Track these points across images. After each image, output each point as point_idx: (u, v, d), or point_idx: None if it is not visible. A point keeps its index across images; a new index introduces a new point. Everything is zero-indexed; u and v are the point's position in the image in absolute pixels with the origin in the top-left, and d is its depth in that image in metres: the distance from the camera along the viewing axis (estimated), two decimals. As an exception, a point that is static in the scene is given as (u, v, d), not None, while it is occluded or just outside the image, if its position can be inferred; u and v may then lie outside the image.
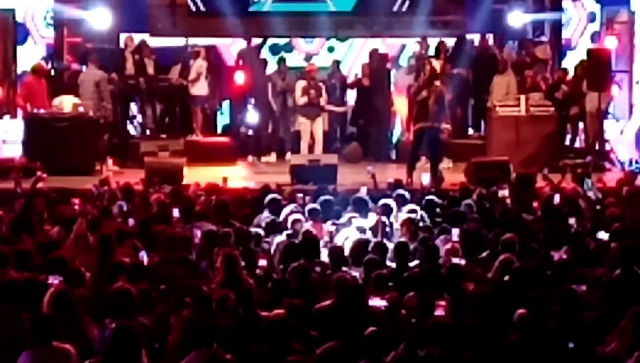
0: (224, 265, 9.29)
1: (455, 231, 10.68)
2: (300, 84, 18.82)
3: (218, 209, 12.30)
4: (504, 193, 13.61)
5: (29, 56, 19.27)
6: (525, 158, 17.66)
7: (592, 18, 20.59)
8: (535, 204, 13.29)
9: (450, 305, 8.25)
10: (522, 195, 13.65)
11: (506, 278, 9.20)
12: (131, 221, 11.91)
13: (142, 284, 8.76)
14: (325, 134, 19.56)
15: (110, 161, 18.09)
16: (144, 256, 9.92)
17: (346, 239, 11.12)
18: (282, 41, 21.77)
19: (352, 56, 22.02)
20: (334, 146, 19.68)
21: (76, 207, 12.82)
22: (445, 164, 18.03)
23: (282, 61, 19.98)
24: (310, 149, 18.52)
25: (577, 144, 19.47)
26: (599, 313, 8.28)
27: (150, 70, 19.94)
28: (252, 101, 19.84)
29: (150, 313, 8.37)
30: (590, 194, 13.44)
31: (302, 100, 18.67)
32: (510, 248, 10.03)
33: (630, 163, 18.48)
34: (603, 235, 11.09)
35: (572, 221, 11.61)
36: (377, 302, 8.37)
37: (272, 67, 20.31)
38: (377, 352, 7.33)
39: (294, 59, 21.43)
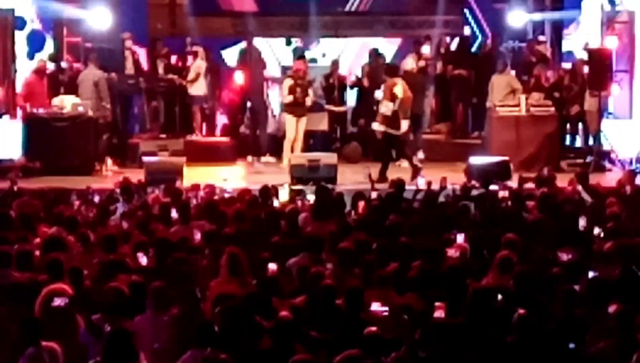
0: (228, 263, 9.27)
1: (461, 237, 10.64)
2: (287, 83, 18.74)
3: (208, 209, 12.32)
4: (504, 193, 13.59)
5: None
6: (525, 158, 17.66)
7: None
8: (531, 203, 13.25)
9: (450, 306, 8.23)
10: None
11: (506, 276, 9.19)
12: (130, 222, 11.89)
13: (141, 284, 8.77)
14: (325, 134, 19.54)
15: (109, 161, 18.08)
16: (143, 256, 9.89)
17: None
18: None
19: (348, 55, 22.05)
20: (334, 146, 19.67)
21: (75, 207, 12.84)
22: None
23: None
24: (292, 148, 18.45)
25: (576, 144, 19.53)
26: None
27: (161, 70, 19.97)
28: (250, 101, 19.87)
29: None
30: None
31: (288, 98, 18.61)
32: (511, 248, 10.00)
33: (631, 163, 18.47)
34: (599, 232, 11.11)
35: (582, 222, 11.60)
36: (378, 307, 8.35)
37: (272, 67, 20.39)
38: (377, 352, 7.32)
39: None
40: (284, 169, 17.39)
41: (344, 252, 9.87)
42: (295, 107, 18.51)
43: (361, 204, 12.70)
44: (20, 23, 19.06)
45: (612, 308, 7.99)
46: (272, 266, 9.48)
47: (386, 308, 8.20)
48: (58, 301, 7.78)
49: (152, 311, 8.34)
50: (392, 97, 16.89)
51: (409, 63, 19.58)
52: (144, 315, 8.30)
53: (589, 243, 10.76)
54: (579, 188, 13.94)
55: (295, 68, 18.99)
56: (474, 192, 13.99)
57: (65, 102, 17.77)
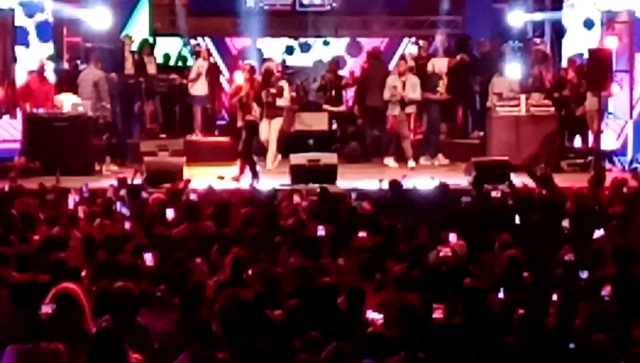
0: (232, 264, 9.27)
1: (453, 236, 10.64)
2: None
3: (219, 210, 12.29)
4: (497, 193, 13.60)
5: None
6: (525, 158, 17.65)
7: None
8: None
9: (449, 307, 8.23)
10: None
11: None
12: (130, 222, 11.88)
13: (143, 284, 8.78)
14: (325, 134, 19.53)
15: (109, 161, 18.07)
16: (148, 256, 9.88)
17: None
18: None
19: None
20: (334, 146, 19.65)
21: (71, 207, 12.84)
22: (443, 161, 18.55)
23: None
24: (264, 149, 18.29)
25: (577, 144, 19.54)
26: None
27: (152, 70, 19.95)
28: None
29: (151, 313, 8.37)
30: None
31: None
32: (508, 249, 9.99)
33: (631, 163, 18.47)
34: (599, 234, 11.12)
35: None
36: (374, 315, 8.34)
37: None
38: (379, 352, 7.32)
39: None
40: (273, 170, 17.51)
41: (364, 251, 9.90)
42: (265, 109, 18.32)
43: (365, 205, 12.65)
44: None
45: (605, 291, 8.00)
46: None
47: (381, 316, 8.19)
48: (45, 309, 7.72)
49: (149, 311, 8.35)
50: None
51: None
52: (141, 315, 8.31)
53: (588, 243, 10.76)
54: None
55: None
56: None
57: (65, 102, 17.78)
